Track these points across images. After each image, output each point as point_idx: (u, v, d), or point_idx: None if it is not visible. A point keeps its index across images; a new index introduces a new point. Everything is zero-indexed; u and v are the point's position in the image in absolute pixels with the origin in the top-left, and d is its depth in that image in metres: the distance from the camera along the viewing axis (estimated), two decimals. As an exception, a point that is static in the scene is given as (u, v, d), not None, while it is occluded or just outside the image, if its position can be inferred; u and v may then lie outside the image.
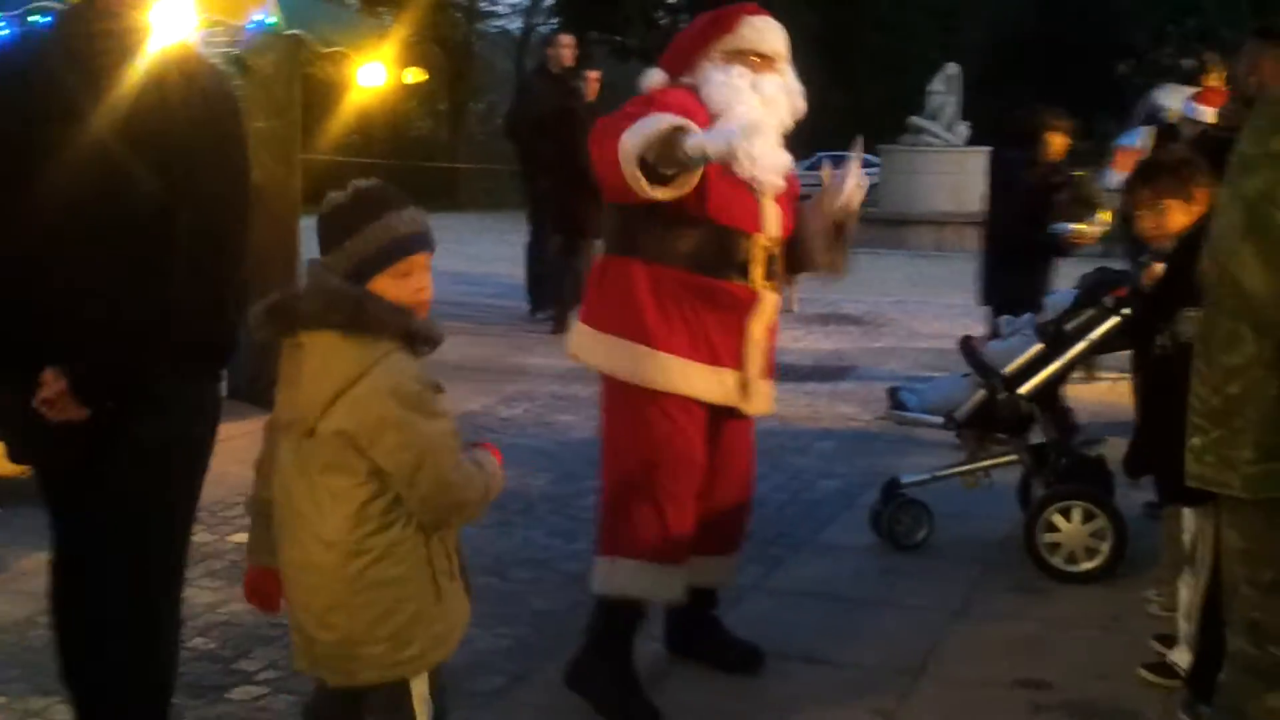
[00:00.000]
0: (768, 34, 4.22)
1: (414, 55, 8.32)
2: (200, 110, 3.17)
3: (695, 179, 3.89)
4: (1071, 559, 5.38)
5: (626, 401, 4.15)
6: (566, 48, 11.41)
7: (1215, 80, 7.87)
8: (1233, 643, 2.97)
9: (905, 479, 5.80)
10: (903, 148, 22.02)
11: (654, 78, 4.21)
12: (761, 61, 4.18)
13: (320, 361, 2.83)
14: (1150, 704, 4.24)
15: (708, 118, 3.99)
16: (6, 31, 8.53)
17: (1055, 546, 5.38)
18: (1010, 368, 5.51)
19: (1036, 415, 5.60)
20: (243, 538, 5.52)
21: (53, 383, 3.04)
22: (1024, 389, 5.51)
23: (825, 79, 25.49)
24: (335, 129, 16.35)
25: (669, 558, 4.14)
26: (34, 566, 5.21)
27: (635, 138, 3.74)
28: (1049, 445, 5.68)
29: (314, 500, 2.86)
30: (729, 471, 4.33)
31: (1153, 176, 4.41)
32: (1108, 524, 5.36)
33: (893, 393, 5.96)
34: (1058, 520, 5.37)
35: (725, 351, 4.13)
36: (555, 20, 39.15)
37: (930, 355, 10.07)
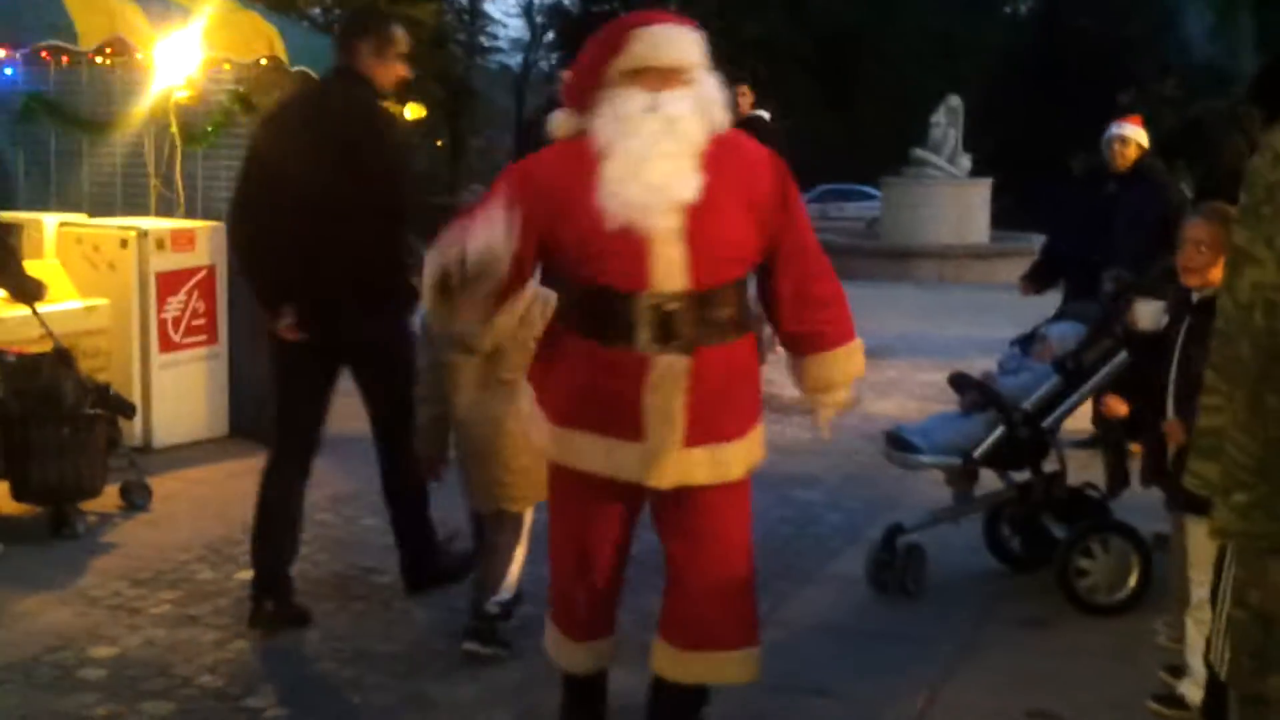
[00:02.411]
0: (665, 45, 3.66)
1: (413, 91, 8.33)
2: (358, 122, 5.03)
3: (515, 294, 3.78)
4: (1100, 590, 5.39)
5: (551, 478, 4.01)
6: None
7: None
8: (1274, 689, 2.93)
9: (908, 524, 5.72)
10: (905, 180, 22.07)
11: (556, 122, 3.80)
12: (664, 77, 3.62)
13: None
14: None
15: (595, 165, 3.59)
16: (10, 71, 8.59)
17: (1083, 575, 5.38)
18: (1030, 403, 5.49)
19: (1057, 449, 5.58)
20: (247, 575, 5.56)
21: (285, 314, 5.09)
22: (1047, 423, 5.49)
23: (823, 111, 25.58)
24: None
25: (565, 630, 4.05)
26: (34, 607, 5.22)
27: (426, 277, 3.57)
28: (1048, 480, 5.63)
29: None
30: (700, 555, 3.84)
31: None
32: (1135, 555, 5.38)
33: (891, 436, 5.72)
34: (1092, 551, 5.40)
35: (621, 422, 3.69)
36: (555, 55, 39.33)
37: (934, 389, 10.05)
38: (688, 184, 3.56)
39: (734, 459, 3.79)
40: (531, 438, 3.96)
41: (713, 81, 3.70)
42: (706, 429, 3.71)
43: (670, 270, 3.59)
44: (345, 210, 4.88)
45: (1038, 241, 21.12)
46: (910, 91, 26.74)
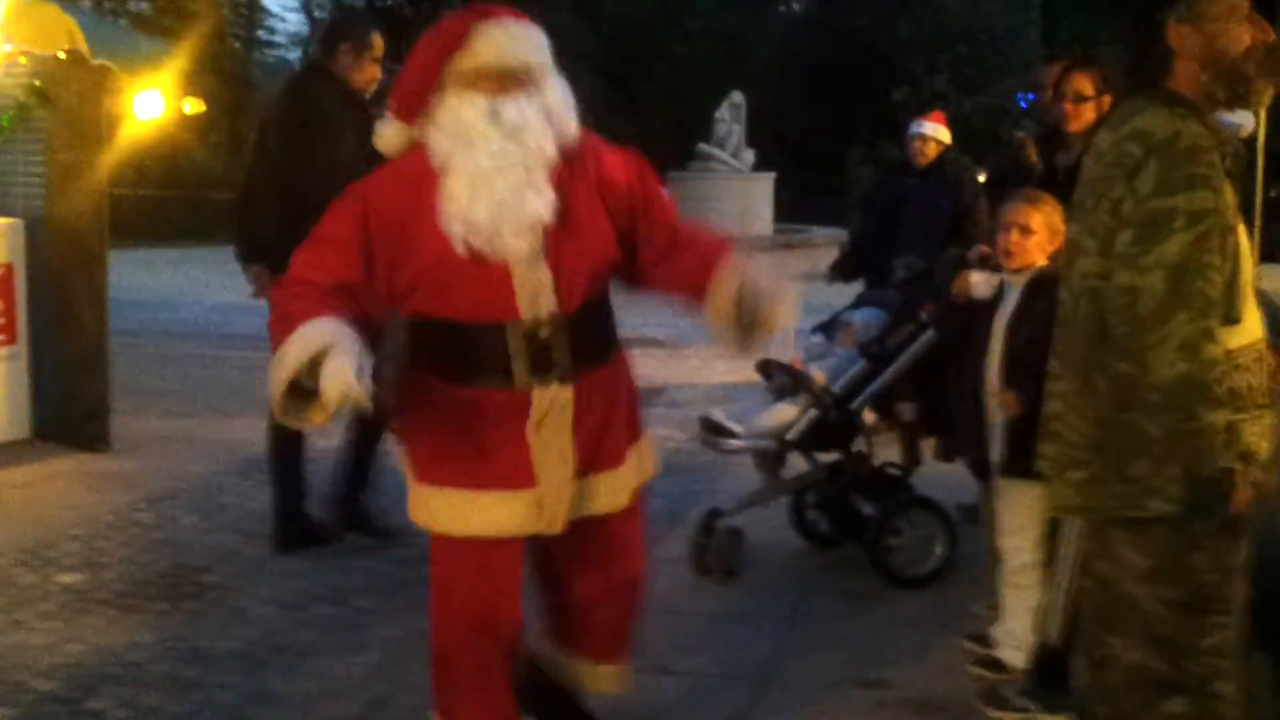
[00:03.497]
0: (509, 44, 3.29)
1: (192, 85, 8.23)
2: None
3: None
4: (910, 564, 5.65)
5: (432, 543, 3.54)
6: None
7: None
8: (1127, 657, 3.15)
9: (724, 508, 5.86)
10: (691, 175, 22.43)
11: (385, 133, 3.42)
12: (505, 81, 3.26)
13: None
14: (987, 696, 4.46)
15: (435, 182, 3.24)
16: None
17: (892, 551, 5.63)
18: (839, 385, 5.72)
19: (864, 430, 5.83)
20: (69, 578, 5.47)
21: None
22: (855, 405, 5.72)
23: (612, 108, 25.83)
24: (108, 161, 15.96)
25: None
26: None
27: (272, 383, 3.10)
28: (856, 460, 5.86)
29: None
30: (604, 581, 3.68)
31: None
32: (939, 527, 5.66)
33: (706, 422, 5.88)
34: (899, 528, 5.65)
35: (504, 471, 3.36)
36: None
37: (734, 377, 10.30)
38: (541, 200, 3.24)
39: (628, 482, 3.58)
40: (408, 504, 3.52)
41: (560, 85, 3.38)
42: (596, 457, 3.46)
43: (537, 294, 3.28)
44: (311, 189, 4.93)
45: (819, 233, 21.92)
46: (695, 89, 27.21)
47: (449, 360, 3.35)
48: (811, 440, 5.74)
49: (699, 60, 28.55)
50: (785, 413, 5.74)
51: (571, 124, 3.36)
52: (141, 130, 8.37)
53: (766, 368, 5.96)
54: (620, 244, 3.47)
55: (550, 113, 3.31)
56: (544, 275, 3.28)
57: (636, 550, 3.73)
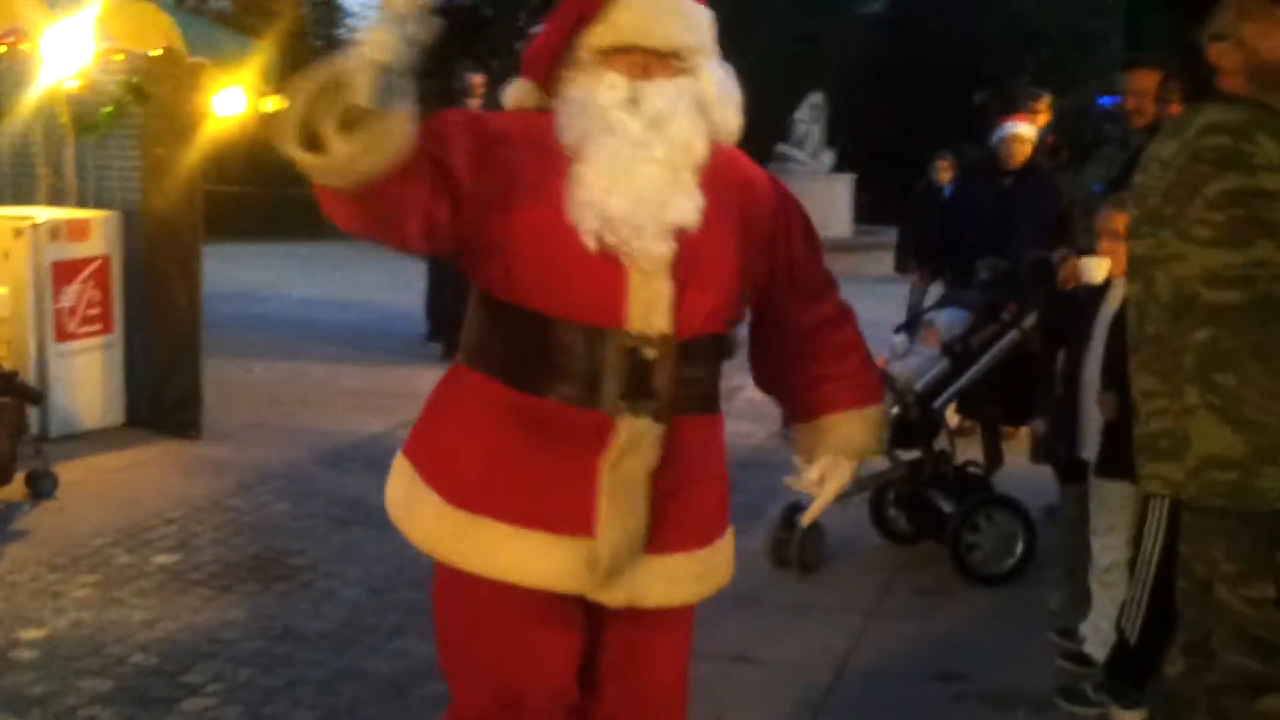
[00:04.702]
0: (655, 18, 2.70)
1: (273, 83, 8.41)
2: None
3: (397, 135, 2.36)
4: (988, 561, 5.70)
5: (444, 582, 2.83)
6: (478, 84, 11.18)
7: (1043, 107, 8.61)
8: (1225, 658, 3.18)
9: (805, 502, 5.94)
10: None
11: (514, 92, 2.86)
12: (649, 61, 2.69)
13: None
14: (1064, 690, 4.50)
15: (563, 162, 2.65)
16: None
17: (972, 549, 5.68)
18: (921, 384, 5.78)
19: (945, 428, 5.88)
20: (165, 559, 5.64)
21: None
22: (937, 404, 5.78)
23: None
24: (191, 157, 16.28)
25: None
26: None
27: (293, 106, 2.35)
28: (937, 457, 5.93)
29: None
30: (633, 706, 2.87)
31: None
32: (1019, 527, 5.71)
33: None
34: (979, 525, 5.70)
35: (560, 508, 2.68)
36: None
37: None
38: (689, 204, 2.66)
39: (698, 574, 2.82)
40: (410, 529, 2.81)
41: (720, 74, 2.79)
42: (666, 527, 2.74)
43: (652, 308, 2.66)
44: None
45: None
46: (774, 89, 27.21)
47: (525, 359, 2.69)
48: (893, 437, 5.80)
49: (778, 60, 28.51)
50: None
51: (730, 120, 2.79)
52: (223, 127, 8.53)
53: None
54: (742, 283, 2.83)
55: (704, 104, 2.72)
56: (664, 288, 2.66)
57: (677, 679, 2.94)
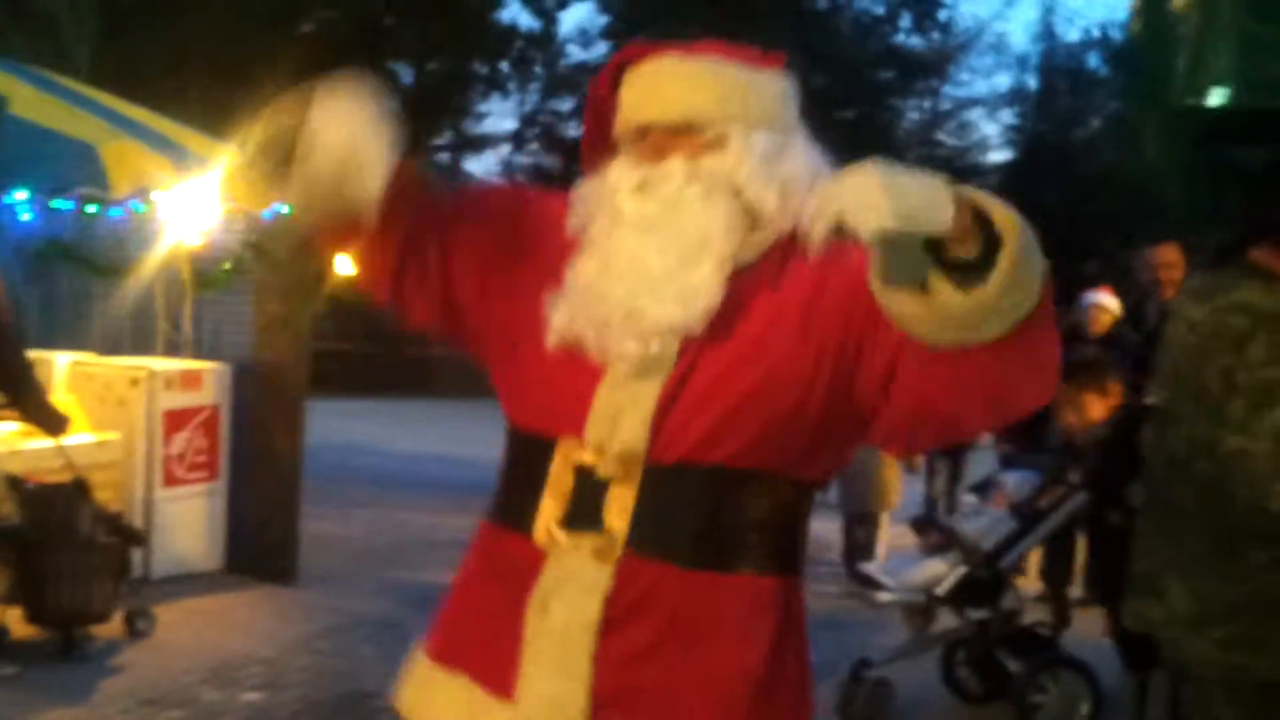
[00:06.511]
0: (653, 89, 2.26)
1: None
2: None
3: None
4: None
5: None
6: None
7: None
8: None
9: (874, 659, 6.04)
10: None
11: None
12: (663, 140, 2.23)
13: None
14: None
15: (571, 252, 2.26)
16: (30, 215, 9.01)
17: (1038, 709, 5.72)
18: (989, 544, 5.87)
19: (1013, 589, 5.96)
20: (252, 696, 5.85)
21: None
22: (1004, 563, 5.87)
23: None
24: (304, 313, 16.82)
25: None
26: None
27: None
28: (1005, 616, 5.99)
29: None
30: None
31: (1072, 374, 4.96)
32: (1085, 687, 5.75)
33: (859, 574, 6.18)
34: (1045, 685, 5.74)
35: (493, 661, 2.21)
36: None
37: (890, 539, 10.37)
38: (692, 302, 2.13)
39: None
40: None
41: (765, 144, 2.21)
42: (634, 712, 2.14)
43: (622, 417, 2.15)
44: None
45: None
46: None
47: (500, 482, 2.35)
48: (960, 596, 5.88)
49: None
50: (936, 568, 5.93)
51: (767, 201, 2.20)
52: (343, 285, 8.93)
53: (922, 524, 6.16)
54: (828, 396, 2.15)
55: (736, 184, 2.19)
56: (647, 397, 2.14)
57: None
